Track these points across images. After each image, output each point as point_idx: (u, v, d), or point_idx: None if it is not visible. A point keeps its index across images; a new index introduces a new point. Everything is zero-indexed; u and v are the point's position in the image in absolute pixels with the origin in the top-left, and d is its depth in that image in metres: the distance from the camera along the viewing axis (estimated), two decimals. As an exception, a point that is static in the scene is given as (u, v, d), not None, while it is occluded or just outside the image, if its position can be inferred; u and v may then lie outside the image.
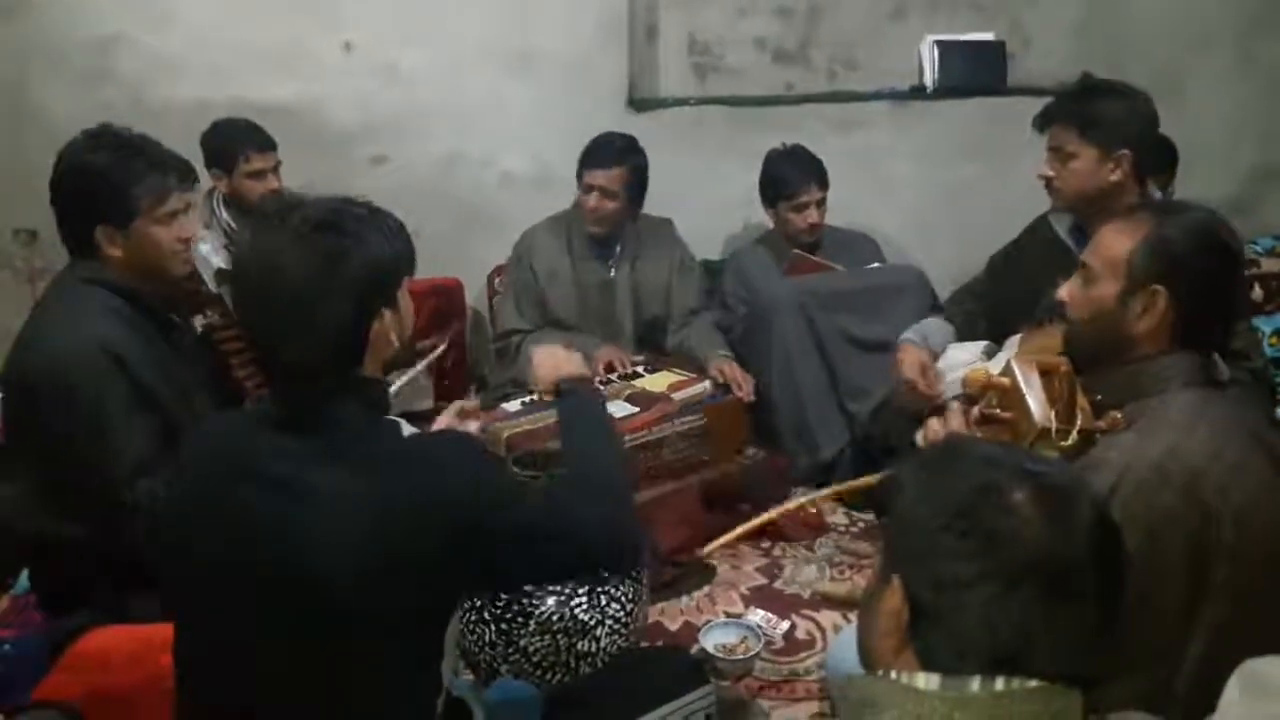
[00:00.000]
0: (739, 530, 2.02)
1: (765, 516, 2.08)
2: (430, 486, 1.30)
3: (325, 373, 1.34)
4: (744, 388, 3.05)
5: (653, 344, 3.40)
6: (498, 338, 3.43)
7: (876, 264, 3.57)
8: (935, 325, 2.71)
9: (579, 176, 3.25)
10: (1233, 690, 1.02)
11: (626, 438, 2.70)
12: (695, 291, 3.44)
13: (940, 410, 1.71)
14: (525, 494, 1.58)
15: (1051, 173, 2.40)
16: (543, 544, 1.40)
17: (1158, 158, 2.94)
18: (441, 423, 1.87)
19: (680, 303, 3.40)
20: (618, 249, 3.37)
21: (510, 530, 1.36)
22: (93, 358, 1.85)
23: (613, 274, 3.37)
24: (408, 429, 1.42)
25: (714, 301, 3.53)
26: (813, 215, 3.45)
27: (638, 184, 3.27)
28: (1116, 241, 1.54)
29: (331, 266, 1.30)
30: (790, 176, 3.46)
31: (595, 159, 3.23)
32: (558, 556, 1.43)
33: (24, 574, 1.96)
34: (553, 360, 1.81)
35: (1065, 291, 1.63)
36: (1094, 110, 2.33)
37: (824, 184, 3.46)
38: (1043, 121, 2.42)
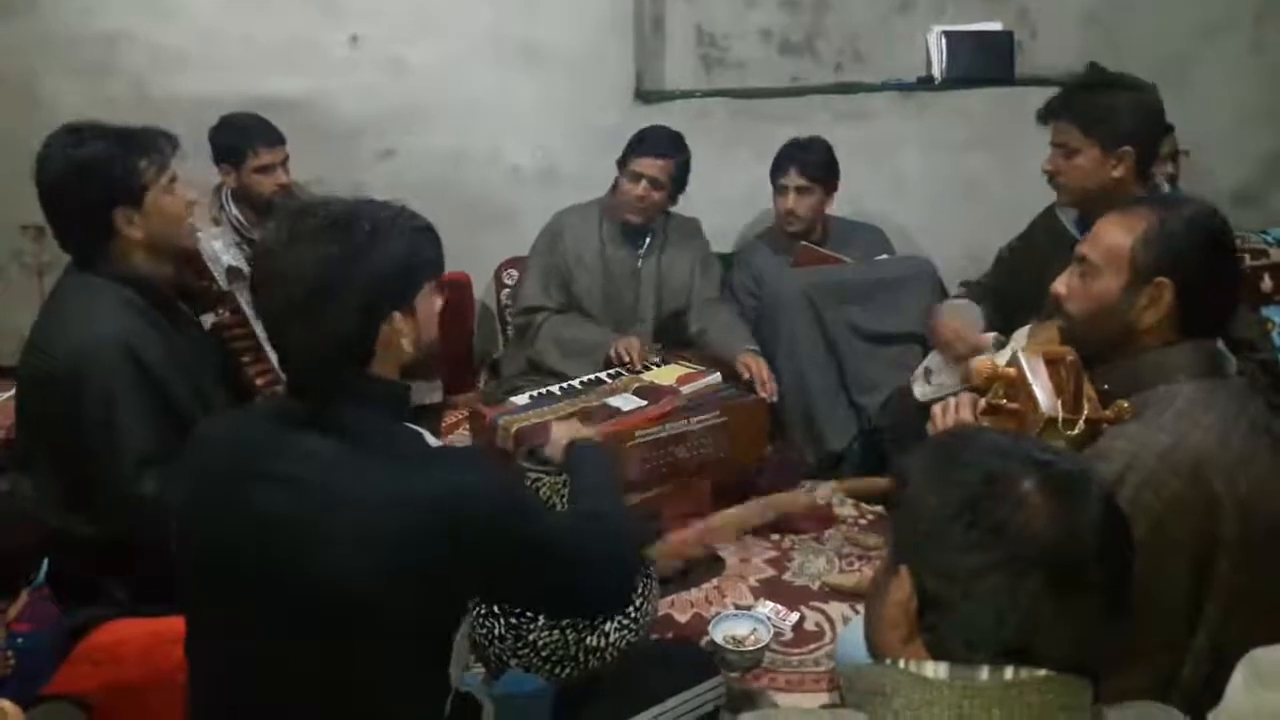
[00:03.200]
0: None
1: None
2: (448, 496, 1.29)
3: (333, 372, 1.33)
4: (768, 386, 3.03)
5: (672, 337, 3.39)
6: (519, 313, 3.42)
7: (885, 256, 3.57)
8: (964, 303, 2.75)
9: (624, 163, 3.24)
10: (1238, 679, 1.02)
11: (639, 433, 2.70)
12: (715, 286, 3.44)
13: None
14: (544, 512, 1.60)
15: (1053, 168, 2.39)
16: (555, 565, 1.41)
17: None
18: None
19: (701, 295, 3.39)
20: (647, 240, 3.36)
21: (524, 546, 1.36)
22: (111, 351, 1.86)
23: (640, 264, 3.36)
24: (432, 440, 1.42)
25: (724, 295, 3.53)
26: (789, 201, 3.43)
27: (681, 179, 3.29)
28: (1117, 235, 1.54)
29: (336, 268, 1.29)
30: (777, 160, 3.47)
31: (649, 147, 3.22)
32: (566, 580, 1.44)
33: (44, 567, 1.97)
34: (569, 431, 1.89)
35: (1062, 286, 1.61)
36: (1097, 106, 2.31)
37: (808, 173, 3.42)
38: (1046, 116, 2.40)
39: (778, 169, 3.46)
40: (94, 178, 1.91)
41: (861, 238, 3.61)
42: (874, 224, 3.72)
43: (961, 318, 2.67)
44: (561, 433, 1.90)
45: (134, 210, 1.94)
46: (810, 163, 3.43)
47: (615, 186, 3.30)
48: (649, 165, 3.21)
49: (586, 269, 3.33)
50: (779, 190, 3.45)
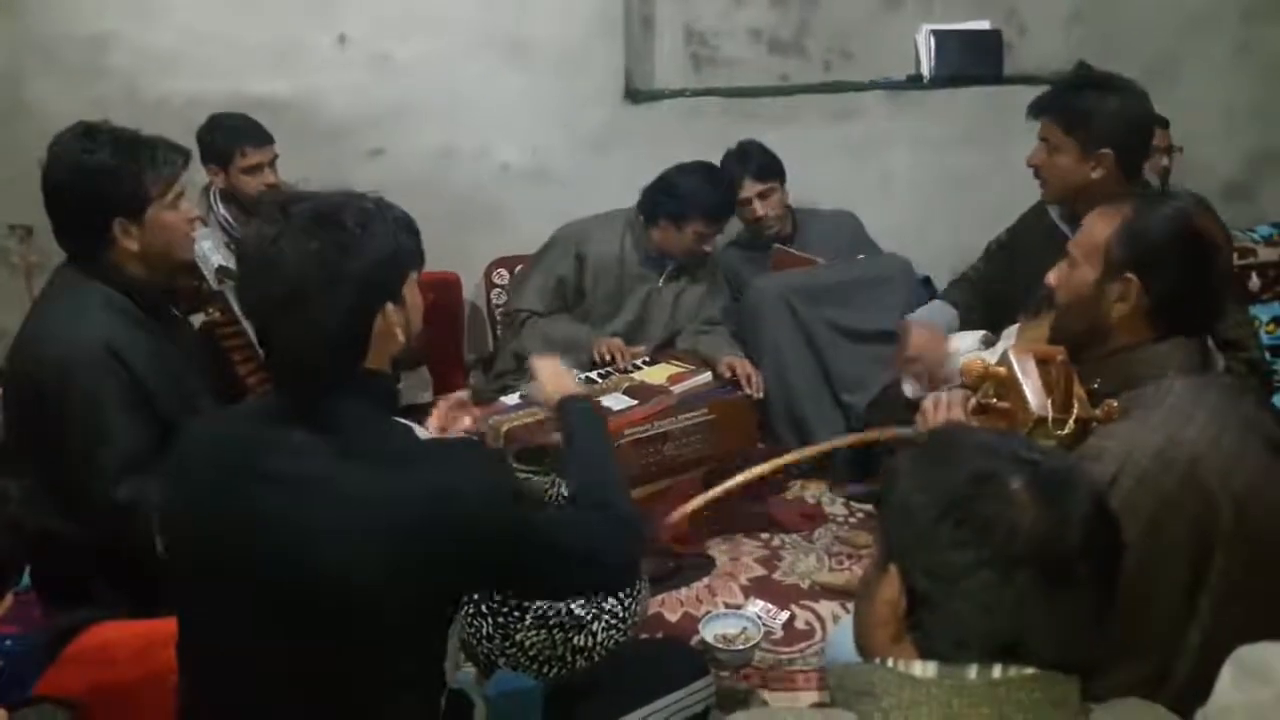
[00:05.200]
0: (706, 496, 2.02)
1: (737, 479, 2.02)
2: (445, 491, 1.29)
3: (326, 368, 1.32)
4: (753, 382, 3.04)
5: (665, 349, 3.38)
6: (507, 310, 3.44)
7: (861, 255, 3.56)
8: (938, 308, 2.74)
9: (680, 218, 3.18)
10: (1226, 676, 1.03)
11: (628, 431, 2.70)
12: (718, 309, 3.42)
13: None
14: (540, 503, 1.58)
15: (1037, 163, 2.41)
16: (555, 556, 1.41)
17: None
18: (435, 418, 1.85)
19: (704, 315, 3.38)
20: (670, 265, 3.34)
21: (524, 539, 1.36)
22: (96, 354, 1.86)
23: (660, 284, 3.35)
24: (423, 433, 1.41)
25: (722, 315, 3.51)
26: (757, 209, 3.44)
27: None
28: (1097, 228, 1.56)
29: (331, 261, 1.28)
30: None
31: (716, 208, 3.21)
32: (567, 570, 1.44)
33: (25, 570, 1.96)
34: (555, 376, 1.81)
35: (1053, 277, 1.64)
36: (1080, 107, 2.32)
37: (763, 177, 3.43)
38: (1033, 111, 2.42)
39: None
40: (98, 186, 1.91)
41: (831, 224, 3.61)
42: (862, 222, 3.71)
43: (932, 324, 2.63)
44: (547, 375, 1.81)
45: (133, 223, 1.94)
46: (757, 165, 3.43)
47: (652, 223, 3.25)
48: (714, 225, 3.23)
49: (605, 282, 3.31)
50: (741, 204, 3.42)
